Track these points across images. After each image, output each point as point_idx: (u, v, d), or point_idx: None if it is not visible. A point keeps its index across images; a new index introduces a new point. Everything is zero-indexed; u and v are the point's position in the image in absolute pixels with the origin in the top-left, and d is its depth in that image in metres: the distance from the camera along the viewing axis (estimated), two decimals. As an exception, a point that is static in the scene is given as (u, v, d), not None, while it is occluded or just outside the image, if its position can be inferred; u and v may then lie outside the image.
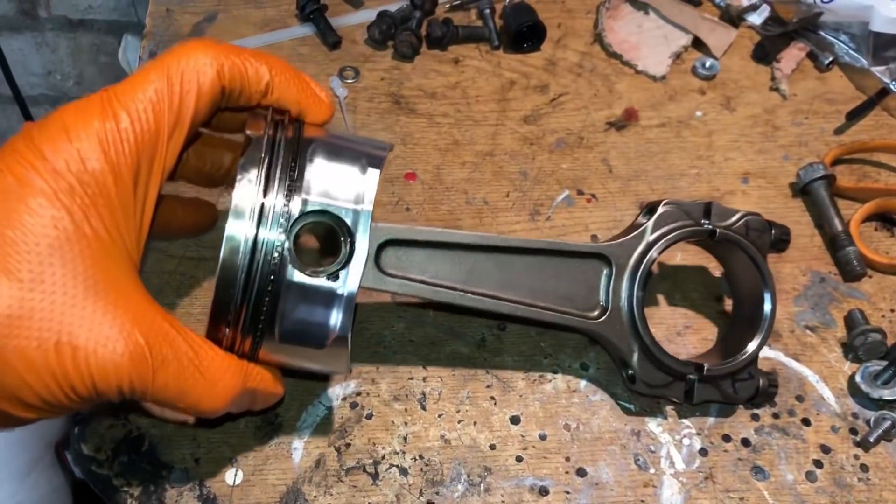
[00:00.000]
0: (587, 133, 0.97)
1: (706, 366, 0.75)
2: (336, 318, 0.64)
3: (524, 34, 1.02)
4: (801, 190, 0.92)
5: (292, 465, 0.74)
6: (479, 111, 0.98)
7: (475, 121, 0.97)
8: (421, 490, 0.73)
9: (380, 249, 0.71)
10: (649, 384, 0.76)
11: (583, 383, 0.80)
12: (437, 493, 0.73)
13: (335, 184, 0.64)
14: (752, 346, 0.76)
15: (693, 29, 1.04)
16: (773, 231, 0.80)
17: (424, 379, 0.79)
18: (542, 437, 0.77)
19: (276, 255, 0.62)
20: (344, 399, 0.77)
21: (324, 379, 0.77)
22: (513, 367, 0.80)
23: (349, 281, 0.64)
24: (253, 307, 0.62)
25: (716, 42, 1.04)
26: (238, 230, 0.61)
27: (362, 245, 0.64)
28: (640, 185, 0.93)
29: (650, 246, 0.77)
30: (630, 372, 0.76)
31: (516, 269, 0.75)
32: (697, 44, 1.05)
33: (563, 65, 1.03)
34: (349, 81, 0.99)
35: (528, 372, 0.80)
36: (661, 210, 0.78)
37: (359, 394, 0.78)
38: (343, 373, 0.69)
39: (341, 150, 0.66)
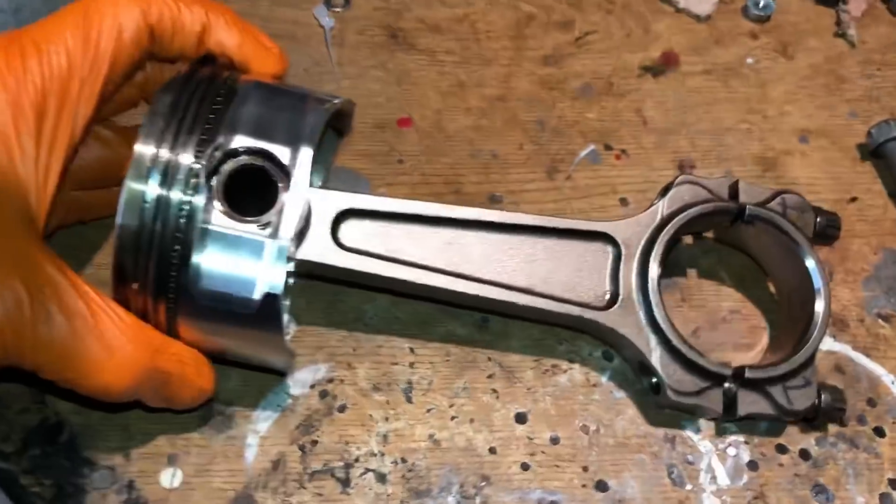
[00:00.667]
0: (618, 78, 0.82)
1: (747, 367, 0.61)
2: (266, 273, 0.52)
3: (546, -39, 0.87)
4: (873, 152, 0.77)
5: (244, 465, 0.60)
6: (489, 49, 0.82)
7: (485, 59, 0.82)
8: (402, 501, 0.59)
9: (339, 221, 0.59)
10: (678, 391, 0.61)
11: (605, 376, 0.65)
12: (421, 507, 0.59)
13: (269, 124, 0.54)
14: (806, 348, 0.62)
15: (745, -38, 0.88)
16: (817, 217, 0.66)
17: (412, 365, 0.64)
18: (554, 441, 0.62)
19: (188, 197, 0.52)
20: (312, 387, 0.63)
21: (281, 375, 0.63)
22: (521, 353, 0.66)
23: (282, 229, 0.52)
24: (159, 257, 0.51)
25: (772, -22, 0.88)
26: (141, 172, 0.52)
27: (301, 189, 0.53)
28: (681, 140, 0.78)
29: (664, 223, 0.64)
30: (654, 380, 0.62)
31: (506, 249, 0.62)
32: (750, -20, 0.90)
33: (592, -1, 0.88)
34: (337, 10, 0.83)
35: (538, 360, 0.65)
36: (677, 186, 0.66)
37: (331, 380, 0.63)
38: (283, 363, 0.57)
39: (281, 92, 0.57)
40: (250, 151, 0.53)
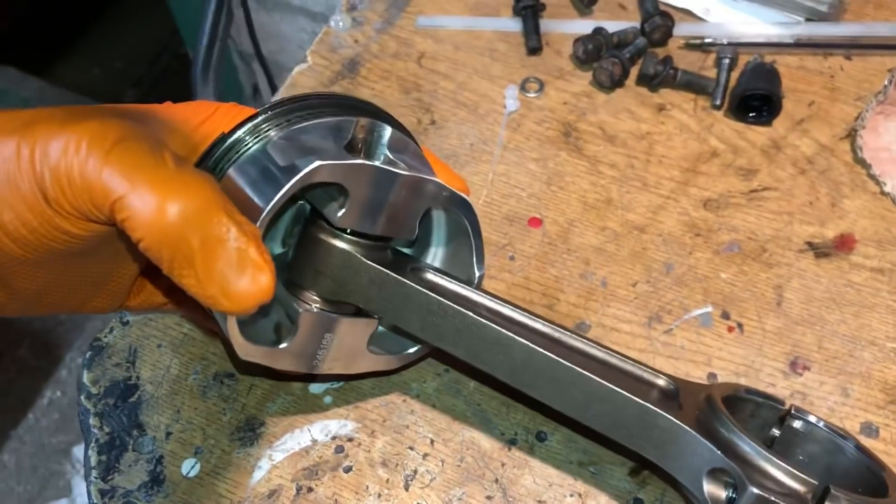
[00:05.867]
0: (775, 246, 0.76)
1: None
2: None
3: (752, 101, 0.82)
4: None
5: (248, 482, 0.67)
6: (655, 174, 0.81)
7: (645, 184, 0.80)
8: (355, 576, 0.63)
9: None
10: (761, 484, 0.53)
11: (600, 545, 0.64)
12: (371, 588, 0.62)
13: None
14: None
15: None
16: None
17: (425, 456, 0.67)
18: (516, 586, 0.62)
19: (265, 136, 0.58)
20: (333, 438, 0.68)
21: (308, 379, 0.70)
22: (529, 488, 0.66)
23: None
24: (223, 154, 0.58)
25: None
26: (255, 129, 0.58)
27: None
28: (808, 336, 0.71)
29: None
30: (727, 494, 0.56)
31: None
32: None
33: (790, 153, 0.81)
34: (530, 95, 0.86)
35: (541, 502, 0.65)
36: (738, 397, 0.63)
37: (351, 439, 0.68)
38: None
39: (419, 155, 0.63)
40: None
